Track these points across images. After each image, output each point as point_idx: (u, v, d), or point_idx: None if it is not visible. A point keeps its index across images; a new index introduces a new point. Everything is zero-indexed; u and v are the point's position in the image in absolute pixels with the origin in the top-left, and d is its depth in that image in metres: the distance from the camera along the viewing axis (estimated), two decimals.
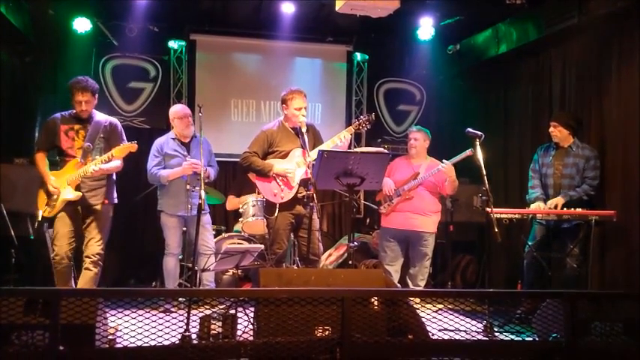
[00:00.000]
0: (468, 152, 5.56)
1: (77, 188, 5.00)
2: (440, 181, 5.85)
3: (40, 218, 5.10)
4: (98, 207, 5.11)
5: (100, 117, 5.21)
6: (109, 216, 5.20)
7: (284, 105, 5.34)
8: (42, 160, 5.11)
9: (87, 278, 5.03)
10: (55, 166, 5.17)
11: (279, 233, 5.28)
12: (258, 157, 5.29)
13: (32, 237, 6.11)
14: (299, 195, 5.23)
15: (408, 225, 5.87)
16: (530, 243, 5.61)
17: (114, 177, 5.28)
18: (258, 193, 6.16)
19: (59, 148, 5.10)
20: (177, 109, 6.02)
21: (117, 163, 5.09)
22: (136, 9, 7.09)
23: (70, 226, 5.03)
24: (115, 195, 5.28)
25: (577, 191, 5.44)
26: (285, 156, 5.30)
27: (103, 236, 5.11)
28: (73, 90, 5.03)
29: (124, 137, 5.27)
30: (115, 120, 5.35)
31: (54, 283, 5.88)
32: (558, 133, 5.59)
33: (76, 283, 5.15)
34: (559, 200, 5.41)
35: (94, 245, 5.07)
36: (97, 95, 5.18)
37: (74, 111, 5.13)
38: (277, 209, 5.22)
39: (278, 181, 5.23)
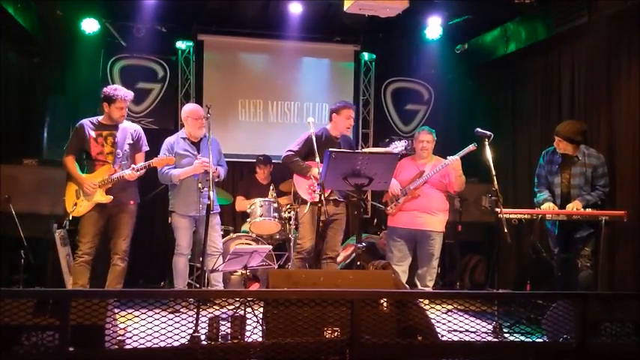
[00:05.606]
0: (471, 147, 5.57)
1: (107, 192, 5.26)
2: (446, 176, 5.81)
3: (70, 217, 5.41)
4: (128, 205, 5.38)
5: (125, 124, 5.47)
6: (135, 215, 5.45)
7: (335, 114, 5.74)
8: (72, 162, 5.36)
9: (116, 273, 5.33)
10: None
11: (305, 227, 5.62)
12: (300, 156, 5.62)
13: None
14: (330, 198, 5.61)
15: (414, 224, 5.82)
16: (555, 249, 5.62)
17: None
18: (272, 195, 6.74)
19: (88, 153, 5.35)
20: (192, 109, 5.96)
21: None
22: (144, 10, 7.11)
23: (96, 225, 5.29)
24: (138, 195, 5.53)
25: (592, 195, 5.37)
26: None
27: (129, 233, 5.38)
28: (117, 99, 5.28)
29: (146, 142, 5.57)
30: (138, 127, 5.64)
31: (63, 283, 5.91)
32: (562, 148, 5.46)
33: (105, 279, 5.39)
34: (577, 204, 5.34)
35: (122, 243, 5.34)
36: None
37: (100, 117, 5.40)
38: (308, 204, 5.53)
39: (313, 180, 5.54)
